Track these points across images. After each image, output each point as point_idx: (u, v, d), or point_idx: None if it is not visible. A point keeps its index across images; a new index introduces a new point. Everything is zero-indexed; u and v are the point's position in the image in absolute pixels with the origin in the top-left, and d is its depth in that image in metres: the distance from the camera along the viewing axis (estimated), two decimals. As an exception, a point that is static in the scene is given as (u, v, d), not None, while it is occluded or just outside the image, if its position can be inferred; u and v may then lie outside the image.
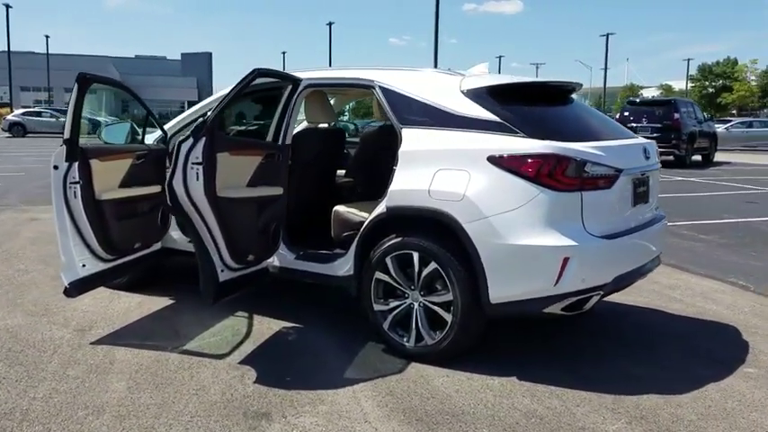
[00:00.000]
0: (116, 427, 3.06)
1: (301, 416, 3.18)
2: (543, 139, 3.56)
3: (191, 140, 3.56)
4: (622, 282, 3.76)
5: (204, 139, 3.56)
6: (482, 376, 3.64)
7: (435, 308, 3.79)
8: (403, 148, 3.88)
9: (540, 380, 3.60)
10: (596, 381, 3.60)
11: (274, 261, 4.46)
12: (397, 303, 3.94)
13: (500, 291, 3.56)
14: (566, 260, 3.45)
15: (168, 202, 3.67)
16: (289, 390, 3.46)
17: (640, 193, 4.04)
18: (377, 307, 4.00)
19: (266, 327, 4.42)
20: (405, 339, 3.90)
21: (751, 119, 37.76)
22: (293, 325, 4.47)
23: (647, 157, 4.13)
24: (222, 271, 3.94)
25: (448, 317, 3.72)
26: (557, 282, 3.46)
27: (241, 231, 3.91)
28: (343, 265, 4.16)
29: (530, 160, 3.49)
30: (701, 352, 4.09)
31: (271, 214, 4.19)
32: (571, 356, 3.97)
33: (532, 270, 3.50)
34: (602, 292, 3.64)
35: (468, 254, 3.59)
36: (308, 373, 3.68)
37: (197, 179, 3.57)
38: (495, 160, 3.56)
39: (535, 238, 3.47)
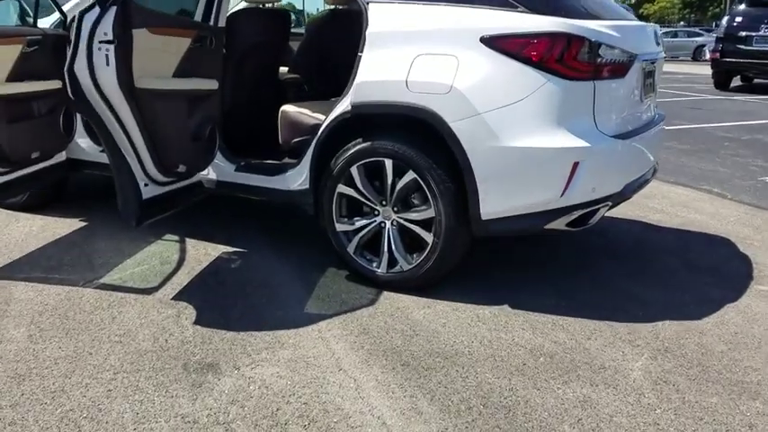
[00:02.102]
0: (11, 391, 2.32)
1: (258, 365, 2.52)
2: (549, 14, 2.86)
3: (96, 10, 2.68)
4: (629, 191, 3.19)
5: (115, 8, 2.68)
6: (469, 306, 3.06)
7: (412, 227, 3.14)
8: (371, 29, 3.10)
9: (537, 308, 3.05)
10: (600, 306, 3.08)
11: (210, 174, 3.68)
12: (364, 222, 3.26)
13: (494, 205, 2.93)
14: (575, 165, 2.83)
15: (70, 94, 2.81)
16: (239, 332, 2.78)
17: (648, 85, 3.44)
18: (340, 227, 3.31)
19: (203, 252, 3.68)
20: (375, 265, 3.25)
21: (675, 29, 38.07)
22: (237, 250, 3.74)
23: (657, 44, 3.50)
24: (146, 186, 3.15)
25: (428, 237, 3.08)
26: (564, 191, 2.86)
27: (168, 135, 3.10)
28: (296, 178, 3.42)
29: (535, 41, 2.80)
30: (703, 268, 3.63)
31: (204, 114, 3.38)
32: (564, 278, 3.43)
33: (535, 178, 2.87)
34: (610, 204, 3.06)
35: (455, 160, 2.93)
36: (261, 310, 2.99)
37: (107, 64, 2.71)
38: (491, 42, 2.85)
39: (539, 138, 2.82)
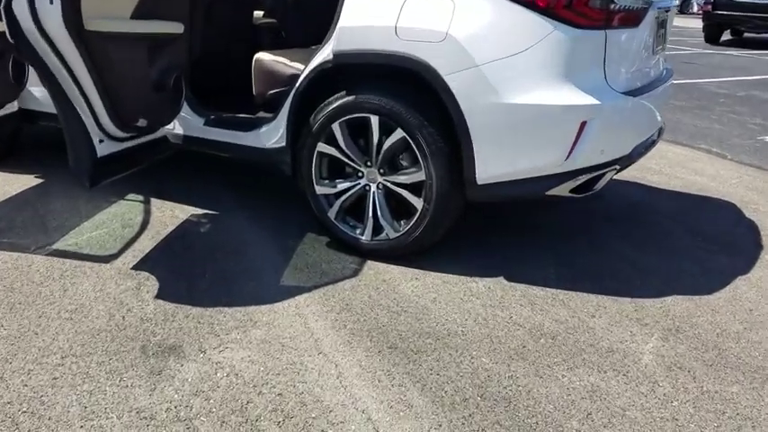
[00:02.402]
0: (-57, 380, 2.03)
1: (227, 348, 2.24)
2: (559, -47, 2.52)
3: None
4: (636, 154, 2.91)
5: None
6: (461, 278, 2.79)
7: (400, 191, 2.84)
8: (356, -34, 2.74)
9: (535, 280, 2.79)
10: (602, 278, 2.83)
11: (176, 128, 3.34)
12: (347, 185, 2.96)
13: (491, 168, 2.63)
14: (583, 125, 2.53)
15: (8, 37, 2.44)
16: (206, 307, 2.49)
17: (660, 36, 3.13)
18: (320, 190, 3.01)
19: (170, 215, 3.36)
20: (358, 232, 2.97)
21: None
22: (207, 212, 3.43)
23: (671, -10, 3.19)
24: (101, 142, 2.80)
25: (417, 202, 2.79)
26: (569, 154, 2.56)
27: (126, 85, 2.74)
28: (272, 135, 3.10)
29: (542, -17, 2.47)
30: (708, 234, 3.39)
31: (168, 62, 3.02)
32: (562, 244, 3.17)
33: (538, 139, 2.57)
34: (618, 167, 2.78)
35: (449, 118, 2.62)
36: (232, 281, 2.70)
37: (50, 1, 2.34)
38: (493, -17, 2.51)
39: (544, 94, 2.51)
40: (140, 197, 3.57)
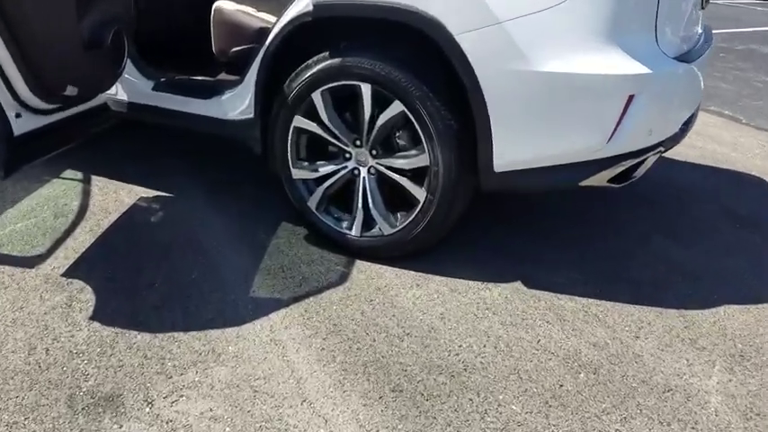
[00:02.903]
0: None
1: (181, 396, 1.72)
2: None
3: None
4: (681, 132, 2.41)
5: None
6: (470, 285, 2.29)
7: (397, 177, 2.30)
8: None
9: (558, 287, 2.31)
10: (637, 281, 2.36)
11: (119, 94, 2.73)
12: (331, 168, 2.41)
13: (513, 152, 2.10)
14: (630, 99, 2.01)
15: None
16: (155, 333, 1.95)
17: (708, -11, 2.60)
18: (297, 173, 2.46)
19: (113, 199, 2.78)
20: (345, 226, 2.44)
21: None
22: (160, 195, 2.85)
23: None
24: (18, 117, 2.20)
25: (419, 192, 2.26)
26: (612, 135, 2.05)
27: (47, 43, 2.12)
28: (236, 103, 2.52)
29: None
30: (745, 219, 2.93)
31: (105, 13, 2.39)
32: (582, 239, 2.68)
33: (573, 117, 2.04)
34: (662, 150, 2.28)
35: (461, 88, 2.07)
36: (188, 293, 2.16)
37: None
38: None
39: (582, 61, 1.97)
40: (78, 175, 2.98)
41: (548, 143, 2.08)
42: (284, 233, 2.58)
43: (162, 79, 2.71)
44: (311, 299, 2.16)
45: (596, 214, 2.91)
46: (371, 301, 2.17)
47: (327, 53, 2.25)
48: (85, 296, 2.11)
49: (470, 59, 2.01)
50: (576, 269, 2.43)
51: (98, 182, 2.92)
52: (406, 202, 2.32)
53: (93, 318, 2.00)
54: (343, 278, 2.29)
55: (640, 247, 2.62)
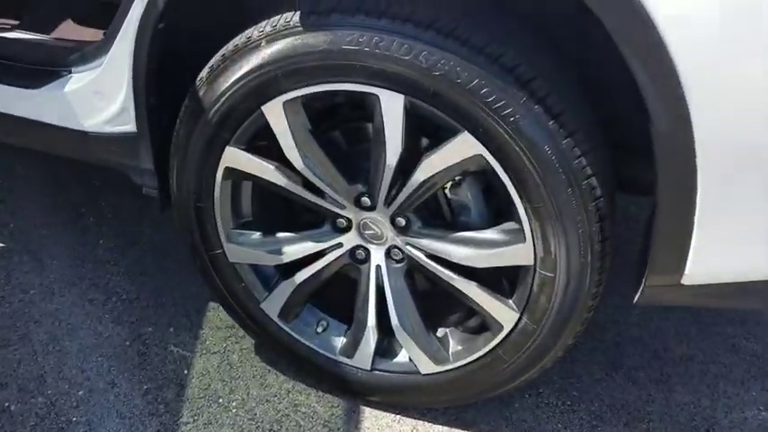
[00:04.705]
0: None
1: None
2: None
3: None
4: None
5: None
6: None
7: (448, 274, 1.10)
8: None
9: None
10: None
11: None
12: (307, 247, 1.18)
13: (730, 255, 0.95)
14: None
15: None
16: None
17: None
18: (236, 252, 1.22)
19: None
20: (337, 347, 1.25)
21: None
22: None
23: None
24: None
25: (502, 311, 1.08)
26: None
27: None
28: (99, 100, 1.22)
29: None
30: None
31: None
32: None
33: None
34: None
35: (626, 122, 0.92)
36: None
37: None
38: None
39: None
40: None
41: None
42: (209, 314, 1.38)
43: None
44: None
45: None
46: None
47: (298, 12, 0.98)
48: None
49: (679, 67, 0.80)
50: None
51: None
52: (464, 315, 1.17)
53: None
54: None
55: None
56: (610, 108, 1.07)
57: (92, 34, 1.44)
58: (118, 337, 1.39)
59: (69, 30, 1.48)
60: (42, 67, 1.28)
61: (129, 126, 1.21)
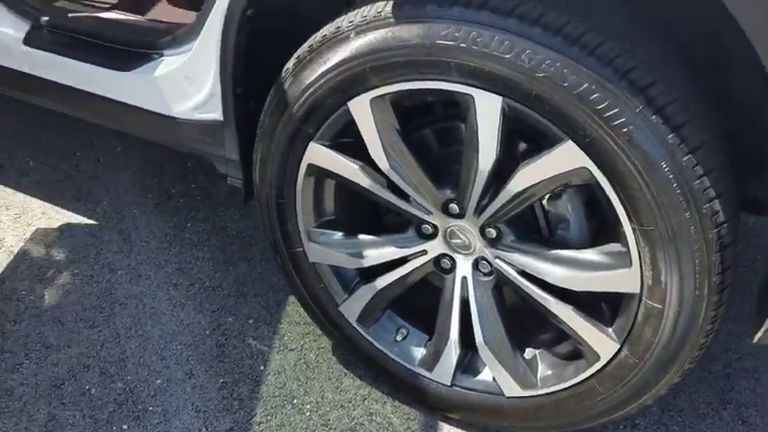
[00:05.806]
0: None
1: None
2: None
3: None
4: None
5: None
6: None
7: (541, 296, 1.00)
8: None
9: None
10: None
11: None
12: (391, 252, 1.11)
13: None
14: None
15: None
16: None
17: None
18: (317, 252, 1.16)
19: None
20: (416, 358, 1.18)
21: None
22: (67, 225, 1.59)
23: None
24: None
25: (600, 341, 0.97)
26: None
27: None
28: (188, 85, 1.19)
29: None
30: None
31: None
32: None
33: None
34: None
35: None
36: None
37: None
38: None
39: None
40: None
41: None
42: (281, 344, 1.33)
43: (44, 19, 1.35)
44: None
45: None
46: None
47: (391, 2, 0.90)
48: None
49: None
50: None
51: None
52: (557, 339, 1.06)
53: None
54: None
55: None
56: (737, 118, 0.93)
57: (186, 16, 1.42)
58: (198, 325, 1.37)
59: (165, 11, 1.46)
60: (134, 49, 1.27)
61: (216, 114, 1.18)
